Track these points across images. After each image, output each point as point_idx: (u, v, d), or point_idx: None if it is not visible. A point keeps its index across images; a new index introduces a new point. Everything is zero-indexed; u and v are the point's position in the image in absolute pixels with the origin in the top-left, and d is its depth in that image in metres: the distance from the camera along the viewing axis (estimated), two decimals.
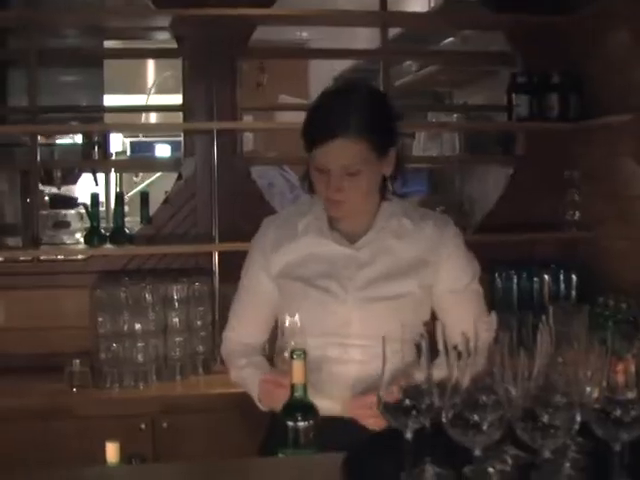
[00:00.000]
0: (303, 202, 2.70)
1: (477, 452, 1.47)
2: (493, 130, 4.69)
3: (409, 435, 1.54)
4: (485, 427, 1.44)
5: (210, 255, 3.98)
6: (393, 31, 4.44)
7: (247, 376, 2.59)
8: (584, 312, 1.73)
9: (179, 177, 4.10)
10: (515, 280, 4.05)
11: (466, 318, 2.61)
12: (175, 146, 6.04)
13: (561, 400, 1.48)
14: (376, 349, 2.47)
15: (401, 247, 2.54)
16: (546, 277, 4.04)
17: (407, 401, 1.55)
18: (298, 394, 2.07)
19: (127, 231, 3.90)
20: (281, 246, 2.58)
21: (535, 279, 4.06)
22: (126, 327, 3.59)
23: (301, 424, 2.03)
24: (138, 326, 3.59)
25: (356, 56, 5.03)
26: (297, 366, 2.05)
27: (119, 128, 5.01)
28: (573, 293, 4.02)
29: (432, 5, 5.03)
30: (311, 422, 2.04)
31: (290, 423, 2.04)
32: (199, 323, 3.78)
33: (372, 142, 2.40)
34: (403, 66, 5.65)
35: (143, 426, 3.43)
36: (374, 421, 2.30)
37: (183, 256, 4.03)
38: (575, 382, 1.53)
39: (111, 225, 3.96)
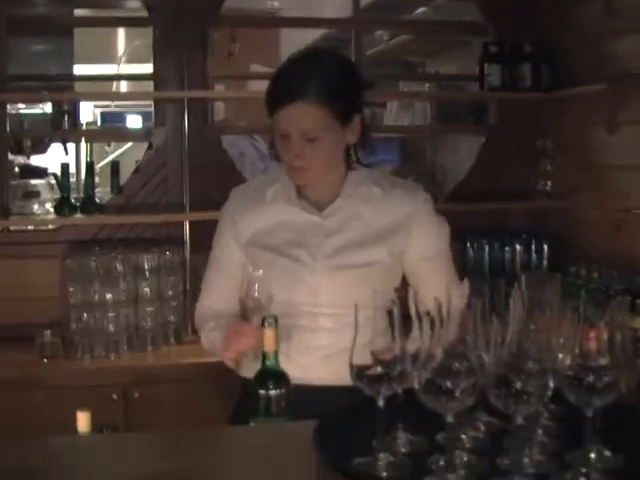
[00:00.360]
0: (272, 171, 2.68)
1: (450, 419, 1.46)
2: (465, 99, 4.70)
3: (381, 402, 1.54)
4: (458, 394, 1.43)
5: (181, 224, 3.96)
6: (365, 0, 4.42)
7: (214, 337, 2.56)
8: (557, 279, 1.72)
9: (150, 146, 4.07)
10: (487, 249, 4.06)
11: (439, 284, 2.60)
12: (146, 116, 6.03)
13: (534, 367, 1.47)
14: (346, 317, 2.46)
15: (370, 215, 2.51)
16: (518, 247, 4.05)
17: (379, 368, 1.54)
18: (270, 362, 2.06)
19: (97, 201, 3.86)
20: (249, 214, 2.55)
21: (507, 249, 4.07)
22: (97, 297, 3.57)
23: (273, 392, 2.03)
24: (109, 296, 3.57)
25: (327, 25, 5.01)
26: (268, 334, 2.05)
27: (89, 97, 4.96)
28: (545, 263, 4.04)
29: None
30: (282, 390, 2.04)
31: (262, 391, 2.04)
32: (170, 293, 3.76)
33: (333, 109, 2.37)
34: (375, 35, 5.63)
35: (115, 396, 3.42)
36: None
37: (154, 226, 4.00)
38: (548, 349, 1.53)
39: (81, 195, 3.92)
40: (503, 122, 4.35)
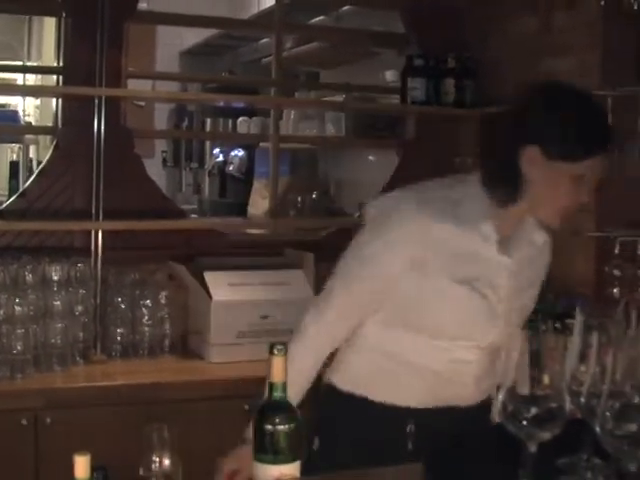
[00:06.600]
0: (449, 187, 2.40)
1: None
2: (386, 112, 4.53)
3: (534, 449, 1.32)
4: None
5: (87, 233, 3.62)
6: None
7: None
8: None
9: (56, 146, 3.71)
10: None
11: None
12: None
13: None
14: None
15: (535, 258, 2.44)
16: None
17: (533, 409, 1.32)
18: (277, 394, 1.84)
19: None
20: (442, 238, 2.26)
21: None
22: (3, 311, 3.22)
23: (280, 427, 1.81)
24: (18, 309, 3.22)
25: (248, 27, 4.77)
26: (277, 362, 1.82)
27: None
28: None
29: None
30: (292, 425, 1.82)
31: (268, 426, 1.81)
32: (80, 308, 3.43)
33: None
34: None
35: (24, 422, 3.08)
36: None
37: (57, 234, 3.65)
38: None
39: None
40: (421, 137, 4.22)
